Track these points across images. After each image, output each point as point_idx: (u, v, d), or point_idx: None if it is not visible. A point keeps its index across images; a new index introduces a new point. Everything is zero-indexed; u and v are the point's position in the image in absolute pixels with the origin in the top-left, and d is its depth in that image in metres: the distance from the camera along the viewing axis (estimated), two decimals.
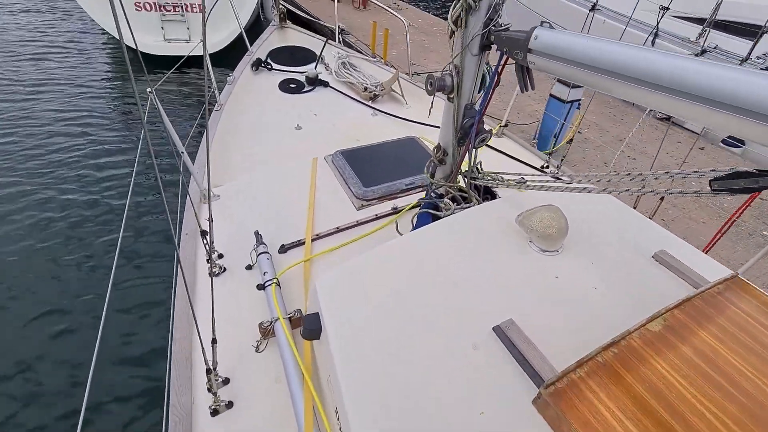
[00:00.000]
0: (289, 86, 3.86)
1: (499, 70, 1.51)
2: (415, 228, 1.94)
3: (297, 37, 4.63)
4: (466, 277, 1.33)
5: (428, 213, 1.81)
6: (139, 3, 7.24)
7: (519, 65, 1.38)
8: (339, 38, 4.74)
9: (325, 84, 3.92)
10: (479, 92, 1.68)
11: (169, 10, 7.40)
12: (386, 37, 5.62)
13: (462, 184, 1.90)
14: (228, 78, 3.57)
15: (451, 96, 1.65)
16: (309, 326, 1.33)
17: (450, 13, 1.50)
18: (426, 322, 1.20)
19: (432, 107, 1.89)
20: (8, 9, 8.73)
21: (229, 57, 7.32)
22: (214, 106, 3.22)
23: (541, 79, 6.13)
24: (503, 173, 1.73)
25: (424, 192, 2.54)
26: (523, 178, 1.61)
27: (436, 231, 1.55)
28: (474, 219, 1.59)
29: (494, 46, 1.49)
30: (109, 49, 7.69)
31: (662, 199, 3.03)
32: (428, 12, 10.26)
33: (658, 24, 5.07)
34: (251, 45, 4.22)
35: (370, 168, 2.59)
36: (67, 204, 4.38)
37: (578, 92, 3.97)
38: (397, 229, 1.99)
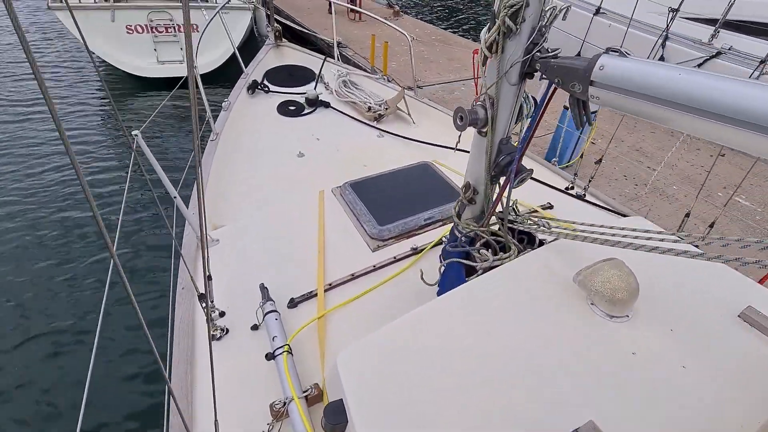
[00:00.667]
0: (288, 109, 3.65)
1: (546, 101, 1.28)
2: (443, 278, 1.70)
3: (294, 55, 4.43)
4: (520, 354, 1.09)
5: (459, 264, 1.57)
6: (131, 26, 7.08)
7: (575, 98, 1.15)
8: (337, 54, 4.55)
9: (326, 105, 3.71)
10: (515, 123, 1.46)
11: (161, 32, 7.24)
12: (386, 51, 5.44)
13: (493, 225, 1.66)
14: (223, 104, 3.35)
15: (484, 130, 1.42)
16: (332, 419, 1.09)
17: (483, 36, 1.28)
18: (478, 416, 0.96)
19: (459, 141, 1.67)
20: (3, 29, 8.59)
21: (225, 73, 7.18)
22: (209, 135, 2.99)
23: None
24: (547, 217, 1.49)
25: (443, 223, 2.32)
26: (574, 227, 1.37)
27: (475, 292, 1.31)
28: (518, 275, 1.35)
29: (537, 74, 1.26)
30: (103, 68, 7.52)
31: None
32: (426, 21, 10.13)
33: (668, 26, 4.89)
34: (246, 66, 4.01)
35: (383, 201, 2.36)
36: (55, 228, 4.17)
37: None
38: (422, 278, 1.75)
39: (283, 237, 2.20)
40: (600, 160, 2.57)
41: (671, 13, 4.03)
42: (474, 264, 1.54)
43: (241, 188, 2.72)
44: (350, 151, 3.20)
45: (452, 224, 2.28)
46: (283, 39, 4.49)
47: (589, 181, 2.56)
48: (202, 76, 7.16)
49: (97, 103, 6.55)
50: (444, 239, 2.17)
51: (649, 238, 1.14)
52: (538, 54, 1.19)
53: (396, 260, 2.06)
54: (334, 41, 4.69)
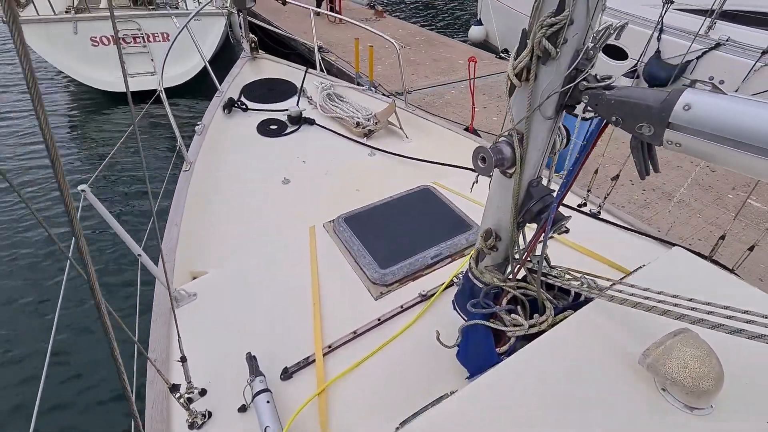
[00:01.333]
0: (269, 128, 3.35)
1: (594, 140, 1.03)
2: (466, 341, 1.44)
3: (272, 68, 4.13)
4: None
5: (486, 328, 1.31)
6: (95, 38, 6.66)
7: (640, 142, 0.90)
8: (319, 63, 4.25)
9: (311, 122, 3.42)
10: (550, 154, 1.21)
11: (129, 42, 6.83)
12: (371, 56, 5.17)
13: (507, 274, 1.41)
14: (196, 127, 3.04)
15: (510, 171, 1.17)
16: None
17: (510, 62, 1.02)
18: None
19: (477, 183, 1.43)
20: None
21: (202, 84, 6.77)
22: (182, 165, 2.68)
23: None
24: (592, 275, 1.24)
25: (451, 259, 2.05)
26: (632, 290, 1.12)
27: (515, 375, 1.06)
28: (566, 349, 1.10)
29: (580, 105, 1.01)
30: (70, 82, 7.06)
31: None
32: (406, 20, 9.86)
33: (662, 18, 4.72)
34: (221, 82, 3.69)
35: (383, 237, 2.09)
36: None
37: None
38: (438, 340, 1.48)
39: (271, 286, 1.91)
40: (617, 176, 2.34)
41: (666, 5, 3.85)
42: (503, 329, 1.29)
43: (221, 226, 2.41)
44: (340, 173, 2.93)
45: (462, 259, 2.05)
46: (260, 50, 4.18)
47: (605, 198, 2.33)
48: (173, 89, 6.82)
49: (68, 113, 6.12)
50: (455, 280, 1.92)
51: (730, 316, 0.89)
52: (585, 83, 0.94)
53: (403, 309, 1.79)
54: (315, 46, 4.40)
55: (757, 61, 4.10)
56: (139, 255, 1.63)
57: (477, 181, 1.41)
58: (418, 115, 3.49)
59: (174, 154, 2.65)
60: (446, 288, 1.88)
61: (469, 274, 1.61)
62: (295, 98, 3.74)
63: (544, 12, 0.90)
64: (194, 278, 2.17)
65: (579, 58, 0.92)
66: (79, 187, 1.35)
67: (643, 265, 1.61)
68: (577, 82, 0.94)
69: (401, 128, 3.36)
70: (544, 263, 1.36)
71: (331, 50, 7.09)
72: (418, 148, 3.25)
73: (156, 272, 1.72)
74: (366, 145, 3.20)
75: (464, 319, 1.73)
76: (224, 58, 7.14)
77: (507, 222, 1.34)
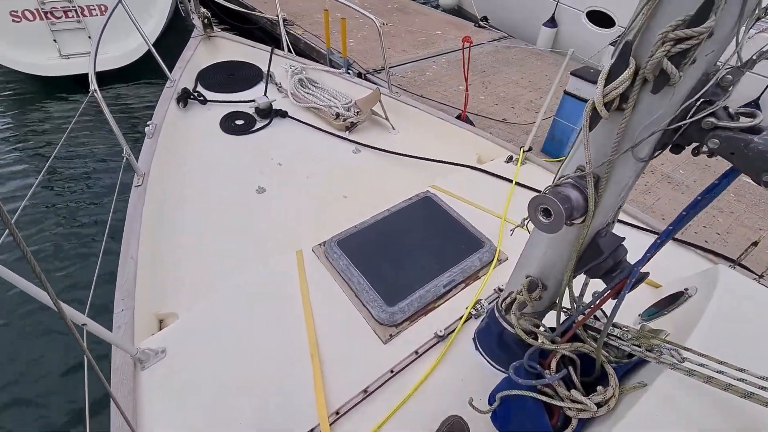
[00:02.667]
0: (234, 125, 2.90)
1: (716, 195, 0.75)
2: (507, 411, 1.20)
3: (231, 48, 3.59)
4: None
5: (536, 402, 1.06)
6: (16, 11, 5.70)
7: None
8: (286, 42, 3.73)
9: (283, 114, 2.99)
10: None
11: (59, 17, 5.90)
12: (343, 29, 4.66)
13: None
14: (146, 129, 2.56)
15: (578, 221, 0.89)
16: None
17: (599, 86, 0.71)
18: None
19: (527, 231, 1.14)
20: None
21: (151, 67, 5.95)
22: (133, 180, 2.24)
23: (527, 57, 5.36)
24: (670, 344, 1.00)
25: (465, 285, 1.78)
26: (720, 368, 0.88)
27: None
28: None
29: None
30: None
31: None
32: None
33: None
34: (172, 68, 3.16)
35: (385, 263, 1.79)
36: None
37: None
38: (471, 405, 1.23)
39: (257, 334, 1.59)
40: None
41: None
42: (560, 405, 1.04)
43: (188, 254, 2.04)
44: (323, 177, 2.56)
45: (477, 284, 1.78)
46: (215, 27, 3.62)
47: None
48: (117, 71, 6.01)
49: None
50: (472, 312, 1.67)
51: None
52: (712, 120, 0.65)
53: (418, 355, 1.53)
54: (279, 19, 3.86)
55: None
56: (84, 324, 1.26)
57: (529, 231, 1.12)
58: (404, 101, 3.13)
59: (123, 158, 2.19)
60: (466, 320, 1.63)
61: (498, 317, 1.36)
62: (262, 86, 3.27)
63: (669, 17, 0.59)
64: (161, 322, 1.83)
65: (709, 85, 0.62)
66: None
67: (685, 292, 1.41)
68: (700, 117, 0.65)
69: (387, 118, 3.00)
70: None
71: (296, 22, 6.43)
72: (407, 141, 2.92)
73: (112, 339, 1.36)
74: (349, 140, 2.83)
75: (489, 362, 1.50)
76: (175, 35, 6.33)
77: (558, 273, 1.07)
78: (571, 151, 0.91)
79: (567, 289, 1.01)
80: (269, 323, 1.62)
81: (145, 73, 5.97)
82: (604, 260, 0.91)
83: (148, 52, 6.03)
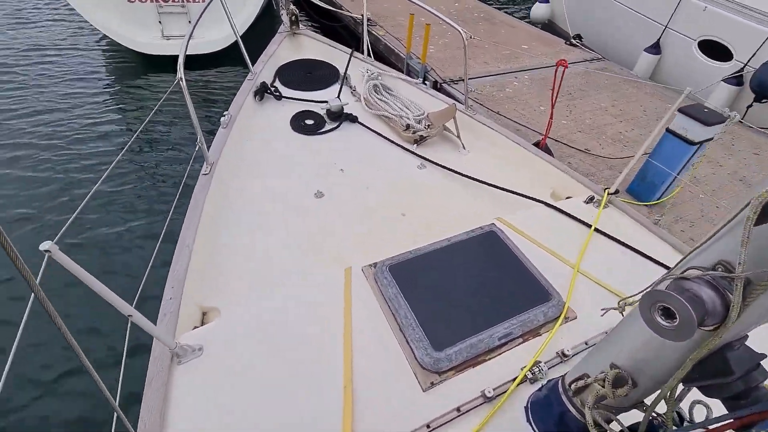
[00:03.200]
0: (304, 124, 2.91)
1: None
2: None
3: (313, 47, 3.63)
4: None
5: None
6: None
7: None
8: (367, 46, 3.69)
9: (353, 119, 2.95)
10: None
11: (167, 1, 6.43)
12: (426, 35, 4.56)
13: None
14: (222, 119, 2.64)
15: (709, 328, 0.69)
16: None
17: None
18: None
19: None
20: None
21: (237, 53, 6.27)
22: (201, 168, 2.31)
23: (615, 84, 4.89)
24: None
25: (523, 340, 1.58)
26: None
27: None
28: None
29: None
30: (106, 42, 6.78)
31: None
32: None
33: None
34: (256, 60, 3.25)
35: (437, 301, 1.66)
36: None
37: (715, 128, 2.81)
38: None
39: (293, 349, 1.53)
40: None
41: None
42: None
43: (240, 250, 2.05)
44: (383, 189, 2.48)
45: (538, 341, 1.57)
46: (301, 25, 3.68)
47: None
48: (211, 55, 6.44)
49: (104, 77, 5.87)
50: (528, 375, 1.48)
51: None
52: None
53: (460, 413, 1.38)
54: (363, 19, 3.83)
55: None
56: (129, 316, 1.27)
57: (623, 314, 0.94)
58: (480, 120, 2.95)
59: (196, 145, 2.27)
60: (519, 383, 1.45)
61: (562, 395, 1.17)
62: (337, 87, 3.26)
63: None
64: (204, 314, 1.85)
65: None
66: (42, 247, 0.99)
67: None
68: None
69: (458, 136, 2.84)
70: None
71: (378, 23, 6.45)
72: (476, 163, 2.74)
73: (154, 331, 1.37)
74: (416, 154, 2.72)
75: None
76: (264, 26, 6.65)
77: (657, 374, 0.87)
78: (712, 237, 0.71)
79: (671, 406, 0.81)
80: (307, 341, 1.55)
81: (235, 60, 6.33)
82: (732, 382, 0.71)
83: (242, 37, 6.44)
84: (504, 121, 4.15)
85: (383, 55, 5.88)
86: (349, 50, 3.49)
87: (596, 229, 2.11)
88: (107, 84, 5.92)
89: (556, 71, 2.89)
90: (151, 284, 1.79)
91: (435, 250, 1.86)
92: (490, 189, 2.44)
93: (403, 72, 5.25)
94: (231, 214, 2.21)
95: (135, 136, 2.11)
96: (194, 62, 6.28)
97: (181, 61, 2.14)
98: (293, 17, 3.61)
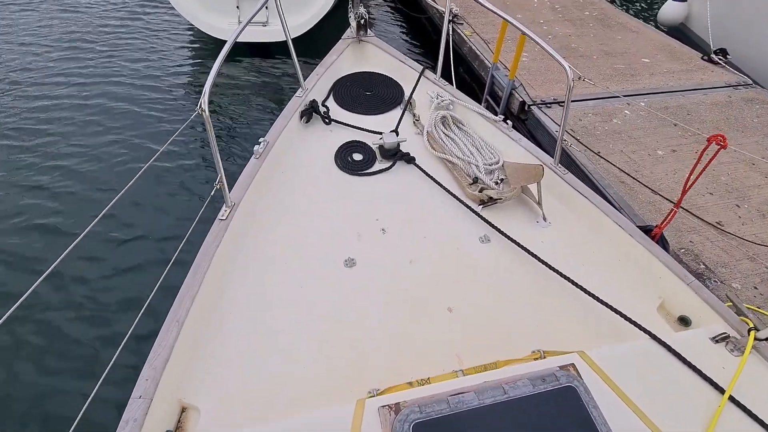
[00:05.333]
0: (351, 159, 2.50)
1: None
2: None
3: (379, 58, 3.17)
4: None
5: None
6: None
7: None
8: (449, 40, 3.06)
9: (409, 159, 2.47)
10: None
11: None
12: (520, 46, 3.85)
13: None
14: (255, 147, 2.31)
15: None
16: None
17: None
18: None
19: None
20: None
21: (314, 39, 6.07)
22: (219, 212, 2.01)
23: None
24: None
25: None
26: None
27: None
28: None
29: None
30: (187, 26, 6.95)
31: None
32: None
33: None
34: (305, 78, 2.87)
35: None
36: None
37: None
38: None
39: None
40: None
41: None
42: None
43: (238, 335, 1.73)
44: (431, 268, 1.99)
45: None
46: (369, 30, 3.22)
47: None
48: (281, 44, 6.26)
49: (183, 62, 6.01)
50: None
51: None
52: None
53: None
54: (446, 13, 3.25)
55: None
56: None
57: None
58: (570, 183, 2.29)
59: (215, 185, 1.97)
60: None
61: None
62: (397, 113, 2.78)
63: None
64: (182, 410, 1.56)
65: None
66: None
67: None
68: None
69: (539, 203, 2.22)
70: None
71: (467, 20, 5.74)
72: (559, 245, 2.13)
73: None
74: (480, 216, 2.16)
75: None
76: (340, 17, 6.27)
77: None
78: None
79: None
80: None
81: (307, 48, 6.08)
82: None
83: (321, 22, 6.17)
84: (604, 167, 3.36)
85: (466, 58, 5.22)
86: (419, 68, 2.97)
87: (731, 399, 1.45)
88: (183, 67, 6.03)
89: (705, 149, 1.96)
90: (120, 371, 1.53)
91: (482, 408, 1.36)
92: (575, 291, 1.84)
93: (485, 84, 4.59)
94: (239, 279, 1.89)
95: (149, 163, 1.85)
96: (266, 50, 6.18)
97: (207, 88, 1.82)
98: (362, 20, 3.16)
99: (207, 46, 6.56)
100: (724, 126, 3.95)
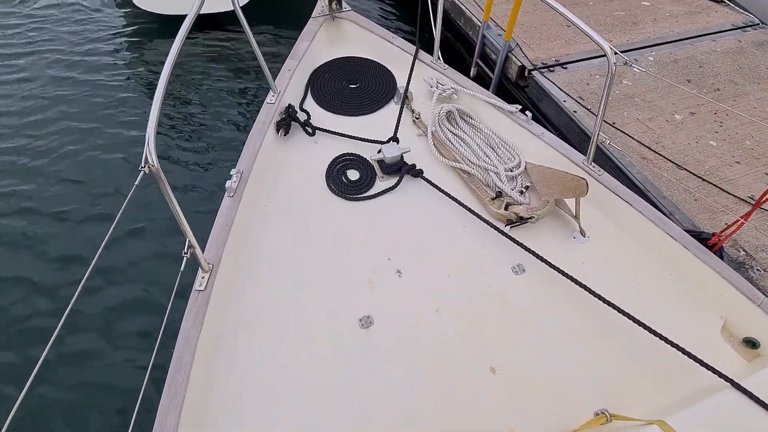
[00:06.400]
0: (345, 180, 2.08)
1: None
2: None
3: (360, 38, 2.64)
4: None
5: None
6: None
7: None
8: (438, 47, 2.53)
9: (416, 172, 2.07)
10: None
11: None
12: (518, 3, 3.34)
13: None
14: (227, 182, 1.86)
15: None
16: None
17: None
18: None
19: None
20: None
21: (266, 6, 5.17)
22: (195, 281, 1.61)
23: None
24: None
25: None
26: None
27: None
28: None
29: None
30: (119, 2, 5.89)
31: None
32: None
33: None
34: (275, 76, 2.35)
35: None
36: None
37: None
38: None
39: None
40: None
41: None
42: None
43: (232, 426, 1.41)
44: (461, 318, 1.67)
45: None
46: (344, 3, 2.65)
47: None
48: (227, 15, 5.35)
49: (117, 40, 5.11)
50: None
51: None
52: None
53: None
54: None
55: None
56: None
57: None
58: (608, 186, 1.97)
59: (185, 255, 1.54)
60: None
61: None
62: (393, 108, 2.34)
63: None
64: None
65: None
66: None
67: None
68: None
69: (577, 217, 1.90)
70: None
71: None
72: (601, 262, 1.84)
73: None
74: (508, 237, 1.83)
75: None
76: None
77: None
78: None
79: None
80: None
81: (265, 15, 5.24)
82: None
83: None
84: (623, 140, 3.03)
85: (449, 17, 4.63)
86: (412, 49, 2.47)
87: None
88: (118, 52, 5.13)
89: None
90: None
91: None
92: (629, 323, 1.57)
93: (475, 46, 4.07)
94: (233, 376, 1.53)
95: (102, 246, 1.41)
96: (214, 24, 5.27)
97: (150, 133, 1.33)
98: None
99: (146, 18, 5.49)
100: (739, 78, 3.63)
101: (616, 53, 1.76)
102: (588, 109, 3.29)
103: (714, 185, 2.77)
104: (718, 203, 2.66)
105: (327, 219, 1.94)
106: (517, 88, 3.82)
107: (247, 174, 1.93)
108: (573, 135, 3.25)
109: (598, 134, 1.95)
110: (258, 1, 5.06)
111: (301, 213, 1.95)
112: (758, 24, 4.30)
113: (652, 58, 3.80)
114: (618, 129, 3.13)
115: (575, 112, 3.24)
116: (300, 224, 1.91)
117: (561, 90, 3.42)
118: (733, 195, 2.72)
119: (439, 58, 2.46)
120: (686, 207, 2.63)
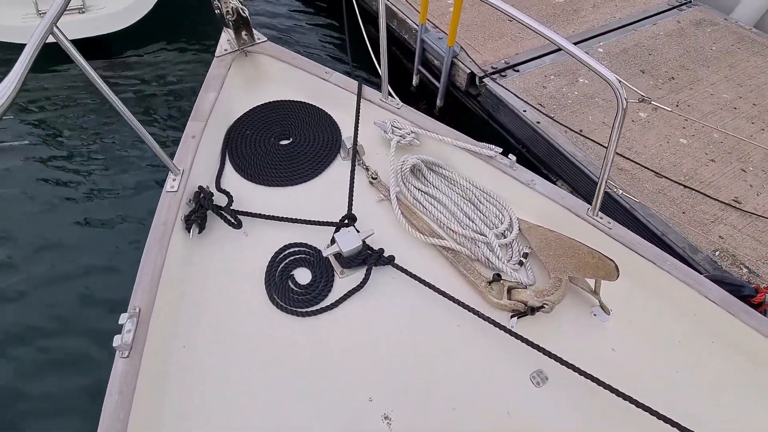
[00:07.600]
0: (294, 285, 1.53)
1: None
2: None
3: (282, 74, 2.05)
4: None
5: None
6: None
7: None
8: (385, 68, 1.99)
9: (386, 260, 1.56)
10: None
11: None
12: (459, 2, 2.89)
13: None
14: (122, 316, 1.26)
15: None
16: None
17: None
18: None
19: None
20: None
21: (166, 16, 4.22)
22: None
23: None
24: None
25: None
26: None
27: None
28: None
29: None
30: None
31: None
32: None
33: None
34: (173, 151, 1.72)
35: None
36: None
37: None
38: None
39: None
40: None
41: None
42: None
43: None
44: None
45: None
46: (255, 34, 2.03)
47: None
48: (110, 37, 4.36)
49: None
50: None
51: None
52: None
53: None
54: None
55: None
56: None
57: None
58: (619, 239, 1.60)
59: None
60: None
61: None
62: (341, 165, 1.81)
63: None
64: None
65: None
66: None
67: None
68: None
69: (596, 293, 1.51)
70: None
71: None
72: (632, 347, 1.48)
73: None
74: (520, 339, 1.40)
75: None
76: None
77: None
78: None
79: None
80: None
81: (163, 30, 4.35)
82: None
83: (156, 6, 4.37)
84: (594, 149, 2.72)
85: (389, 27, 4.09)
86: (355, 84, 1.93)
87: None
88: None
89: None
90: None
91: None
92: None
93: (414, 50, 3.59)
94: None
95: None
96: (97, 50, 4.30)
97: None
98: (239, 19, 1.95)
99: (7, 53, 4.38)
100: (689, 62, 3.49)
101: (642, 96, 1.35)
102: (551, 118, 2.95)
103: (697, 191, 2.55)
104: (706, 214, 2.44)
105: (273, 351, 1.40)
106: (468, 97, 3.42)
107: (146, 314, 1.32)
108: (540, 149, 2.91)
109: (606, 181, 1.56)
110: (152, 18, 4.20)
111: (236, 351, 1.38)
112: (690, 1, 4.23)
113: (601, 50, 3.56)
114: (585, 136, 2.84)
115: (538, 123, 2.90)
116: (242, 377, 1.34)
117: (518, 98, 3.06)
118: (718, 200, 2.52)
119: (390, 95, 1.94)
120: (676, 222, 2.39)
